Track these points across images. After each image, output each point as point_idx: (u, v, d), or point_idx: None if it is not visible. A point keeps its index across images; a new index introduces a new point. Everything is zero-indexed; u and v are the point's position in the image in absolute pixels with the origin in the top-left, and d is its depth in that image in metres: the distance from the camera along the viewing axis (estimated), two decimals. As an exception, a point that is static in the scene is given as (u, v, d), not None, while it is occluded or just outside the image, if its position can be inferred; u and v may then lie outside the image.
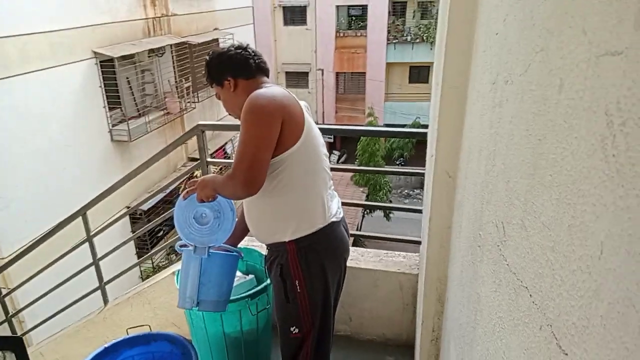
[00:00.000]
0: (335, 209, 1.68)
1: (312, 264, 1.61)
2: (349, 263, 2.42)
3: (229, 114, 1.74)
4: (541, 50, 0.60)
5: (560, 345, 0.47)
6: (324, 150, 1.66)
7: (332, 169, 1.83)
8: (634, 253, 0.33)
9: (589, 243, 0.41)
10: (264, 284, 2.10)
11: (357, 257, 2.53)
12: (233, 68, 1.62)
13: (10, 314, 3.25)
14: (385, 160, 15.15)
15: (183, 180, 8.98)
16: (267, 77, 1.70)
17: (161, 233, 8.89)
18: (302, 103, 1.65)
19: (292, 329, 1.70)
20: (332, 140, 17.81)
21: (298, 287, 1.62)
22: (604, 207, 0.38)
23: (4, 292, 3.32)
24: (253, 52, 1.67)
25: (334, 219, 1.64)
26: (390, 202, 14.45)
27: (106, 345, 1.87)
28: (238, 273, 2.25)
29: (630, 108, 0.34)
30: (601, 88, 0.40)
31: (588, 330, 0.40)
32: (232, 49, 1.66)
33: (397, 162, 16.36)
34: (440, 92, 1.47)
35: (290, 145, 1.49)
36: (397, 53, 17.25)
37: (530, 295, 0.59)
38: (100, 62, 7.22)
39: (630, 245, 0.33)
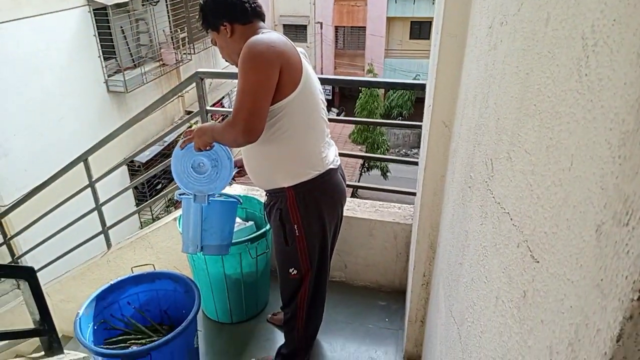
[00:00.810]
0: (332, 157, 1.72)
1: (310, 209, 1.67)
2: (346, 212, 2.50)
3: (226, 61, 1.70)
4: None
5: (533, 255, 0.53)
6: (322, 97, 1.68)
7: (330, 120, 1.87)
8: (596, 157, 0.38)
9: (562, 158, 0.46)
10: (263, 229, 2.17)
11: (354, 207, 2.61)
12: (229, 13, 1.58)
13: (17, 255, 3.35)
14: (385, 117, 15.07)
15: (182, 133, 8.97)
16: (264, 22, 1.67)
17: (160, 186, 8.97)
18: (300, 49, 1.65)
19: (291, 270, 1.79)
20: (330, 97, 17.62)
21: (297, 231, 1.69)
22: (576, 123, 0.42)
23: (9, 238, 3.41)
24: None
25: (331, 166, 1.69)
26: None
27: (112, 282, 1.96)
28: (238, 219, 2.32)
29: (602, 29, 0.37)
30: (580, 15, 0.43)
31: (556, 236, 0.46)
32: None
33: (397, 120, 16.28)
34: (439, 41, 1.48)
35: (288, 93, 1.49)
36: (398, 7, 16.78)
37: (511, 218, 0.65)
38: (94, 10, 7.04)
39: (594, 151, 0.38)
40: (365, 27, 17.35)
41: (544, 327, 0.46)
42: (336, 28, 17.90)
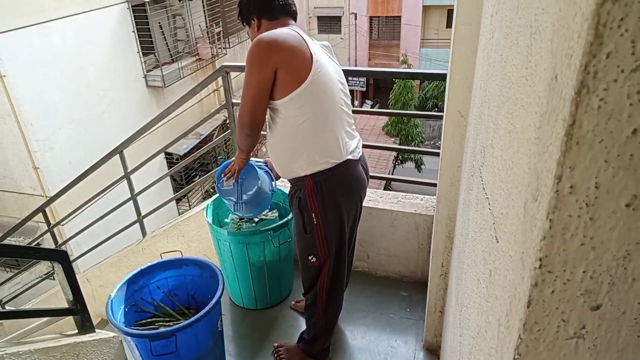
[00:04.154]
0: (353, 148, 1.75)
1: (327, 198, 1.71)
2: (367, 203, 2.53)
3: None
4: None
5: (496, 236, 0.55)
6: (343, 89, 1.72)
7: (355, 112, 1.91)
8: (529, 140, 0.40)
9: (515, 143, 0.48)
10: (285, 219, 2.23)
11: (376, 198, 2.62)
12: (258, 8, 1.70)
13: (59, 243, 3.57)
14: (419, 110, 14.85)
15: (215, 128, 9.18)
16: (294, 19, 1.74)
17: (197, 178, 9.25)
18: (323, 43, 1.71)
19: (310, 257, 1.84)
20: (364, 90, 17.51)
21: (314, 220, 1.74)
22: (523, 109, 0.45)
23: (52, 226, 3.63)
24: None
25: (350, 157, 1.72)
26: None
27: (142, 267, 2.08)
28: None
29: (539, 17, 0.39)
30: (531, 3, 0.45)
31: (507, 216, 0.48)
32: None
33: (432, 112, 16.00)
34: (454, 29, 1.48)
35: (295, 86, 1.56)
36: (434, -5, 16.41)
37: (489, 203, 0.67)
38: (132, 6, 7.29)
39: (528, 134, 0.40)
40: (400, 16, 17.07)
41: (497, 302, 0.49)
42: (370, 18, 17.71)
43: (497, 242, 0.53)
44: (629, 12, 0.27)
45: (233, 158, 2.04)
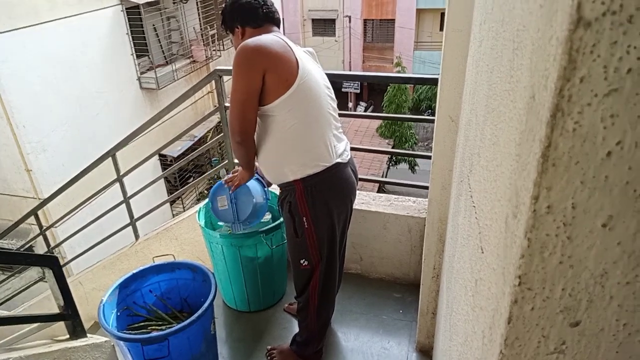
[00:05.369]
0: (341, 151, 1.76)
1: (317, 202, 1.71)
2: (360, 206, 2.54)
3: None
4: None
5: (482, 246, 0.56)
6: (329, 93, 1.73)
7: (343, 116, 1.92)
8: (510, 155, 0.40)
9: (497, 155, 0.48)
10: (278, 221, 2.24)
11: (368, 201, 2.63)
12: (242, 16, 1.71)
13: (52, 246, 3.55)
14: (413, 111, 14.89)
15: (209, 130, 9.16)
16: (277, 26, 1.76)
17: (191, 180, 9.23)
18: (307, 49, 1.72)
19: (301, 261, 1.84)
20: (358, 91, 17.52)
21: (305, 223, 1.74)
22: (505, 123, 0.45)
23: (45, 229, 3.61)
24: (263, 1, 1.72)
25: (339, 160, 1.72)
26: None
27: (134, 271, 2.07)
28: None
29: (520, 34, 0.40)
30: (513, 19, 0.46)
31: (491, 227, 0.49)
32: None
33: (425, 114, 16.04)
34: (445, 35, 1.49)
35: (283, 91, 1.57)
36: (428, -2, 16.47)
37: (476, 212, 0.68)
38: (126, 9, 7.27)
39: (510, 149, 0.41)
40: (394, 19, 17.13)
41: (482, 313, 0.49)
42: (365, 21, 17.75)
43: (482, 252, 0.54)
44: (600, 38, 0.27)
45: (227, 177, 2.07)
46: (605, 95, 0.29)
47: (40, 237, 3.56)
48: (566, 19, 0.28)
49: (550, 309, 0.33)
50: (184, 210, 8.47)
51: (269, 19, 1.72)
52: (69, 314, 1.58)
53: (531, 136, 0.32)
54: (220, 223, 2.19)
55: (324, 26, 17.69)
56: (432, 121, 2.53)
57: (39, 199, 5.99)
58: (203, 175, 3.85)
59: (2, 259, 1.54)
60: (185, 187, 3.44)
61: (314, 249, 1.80)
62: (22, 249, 4.48)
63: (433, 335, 2.10)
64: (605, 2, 0.26)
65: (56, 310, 1.68)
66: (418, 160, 12.65)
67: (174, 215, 8.03)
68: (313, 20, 17.87)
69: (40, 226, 3.54)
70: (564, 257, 0.32)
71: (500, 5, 0.60)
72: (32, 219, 3.51)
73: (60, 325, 1.77)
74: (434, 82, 2.16)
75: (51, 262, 1.43)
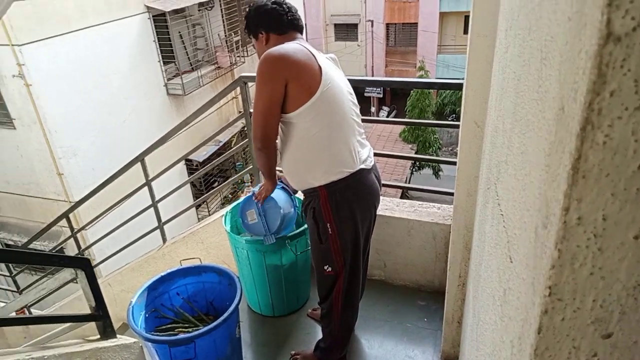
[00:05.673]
0: (365, 157, 1.76)
1: (341, 208, 1.72)
2: (384, 212, 2.53)
3: None
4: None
5: (510, 256, 0.56)
6: (351, 99, 1.74)
7: (365, 121, 1.92)
8: (539, 165, 0.41)
9: (526, 165, 0.48)
10: (302, 228, 2.25)
11: (392, 207, 2.62)
12: (267, 22, 1.73)
13: (82, 248, 3.66)
14: (437, 116, 14.74)
15: (234, 135, 9.28)
16: (301, 33, 1.78)
17: (216, 184, 9.37)
18: (329, 55, 1.73)
19: (325, 267, 1.85)
20: (381, 96, 17.46)
21: (329, 229, 1.75)
22: (534, 132, 0.45)
23: (76, 231, 3.72)
24: (288, 8, 1.75)
25: (363, 166, 1.73)
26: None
27: (162, 274, 2.12)
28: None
29: (548, 44, 0.40)
30: (540, 28, 0.46)
31: (520, 237, 0.49)
32: (269, 3, 1.74)
33: (449, 118, 15.85)
34: (470, 40, 1.48)
35: (305, 100, 1.59)
36: (451, 2, 16.32)
37: (504, 220, 0.67)
38: (153, 16, 7.45)
39: (539, 159, 0.41)
40: (417, 23, 17.03)
41: (510, 323, 0.49)
42: (387, 25, 17.71)
43: (511, 262, 0.54)
44: (630, 53, 0.28)
45: (253, 190, 2.11)
46: (636, 109, 0.29)
47: (71, 239, 3.67)
48: (595, 33, 0.28)
49: (581, 320, 0.34)
50: (209, 215, 8.62)
51: (293, 26, 1.74)
52: (100, 315, 1.63)
53: (561, 147, 0.33)
54: (254, 237, 2.22)
55: (346, 31, 17.72)
56: (457, 126, 2.51)
57: (70, 202, 6.18)
58: (228, 181, 3.90)
59: (38, 261, 1.61)
60: (211, 191, 3.49)
61: (337, 255, 1.81)
62: (53, 251, 4.63)
63: (459, 344, 2.07)
64: (635, 17, 0.27)
65: (87, 311, 1.73)
66: (442, 166, 12.50)
67: (199, 219, 8.15)
68: (335, 25, 17.92)
69: (72, 229, 3.65)
70: (594, 269, 0.32)
71: (527, 14, 0.60)
72: (63, 222, 3.62)
73: (90, 326, 1.82)
74: (458, 87, 2.14)
75: (84, 264, 1.48)
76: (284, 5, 1.75)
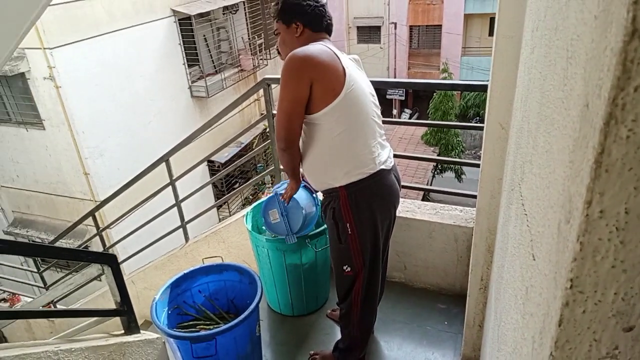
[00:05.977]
0: (385, 158, 1.77)
1: (361, 208, 1.72)
2: (405, 214, 2.53)
3: (278, 54, 1.87)
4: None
5: (533, 254, 0.56)
6: (374, 100, 1.75)
7: (387, 123, 1.93)
8: (563, 162, 0.41)
9: (551, 162, 0.49)
10: (322, 227, 2.27)
11: (413, 209, 2.61)
12: (307, 16, 1.73)
13: (107, 246, 3.75)
14: (460, 118, 14.58)
15: (255, 137, 9.37)
16: (330, 35, 1.80)
17: (237, 185, 9.47)
18: (352, 56, 1.74)
19: (345, 267, 1.86)
20: (403, 98, 17.37)
21: (349, 229, 1.76)
22: (558, 130, 0.46)
23: (102, 230, 3.82)
24: (327, 11, 1.77)
25: (383, 167, 1.73)
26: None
27: (185, 272, 2.16)
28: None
29: (574, 43, 0.41)
30: (566, 27, 0.46)
31: (543, 234, 0.49)
32: (313, 1, 1.74)
33: (473, 121, 15.64)
34: (495, 41, 1.48)
35: (330, 100, 1.60)
36: (476, 3, 16.12)
37: (528, 220, 0.67)
38: (179, 20, 7.60)
39: (563, 156, 0.42)
40: (441, 25, 16.88)
41: (532, 319, 0.49)
42: (410, 28, 17.60)
43: (534, 259, 0.54)
44: (655, 48, 0.28)
45: (274, 190, 2.14)
46: (660, 104, 0.29)
47: (96, 237, 3.77)
48: (621, 30, 0.29)
49: (602, 313, 0.34)
50: (230, 215, 8.73)
51: (327, 28, 1.78)
52: (124, 310, 1.67)
53: (584, 143, 0.33)
54: (276, 236, 2.25)
55: (369, 33, 17.68)
56: (481, 129, 2.49)
57: (95, 201, 6.34)
58: (249, 182, 3.95)
59: (68, 256, 1.66)
60: (233, 192, 3.54)
61: (357, 256, 1.81)
62: (80, 248, 4.76)
63: (479, 348, 2.05)
64: (660, 13, 0.27)
65: (112, 307, 1.78)
66: (465, 169, 12.35)
67: (220, 219, 8.26)
68: (358, 27, 17.90)
69: (97, 227, 3.75)
70: (616, 262, 0.33)
71: (554, 14, 0.61)
72: (89, 220, 3.72)
73: (114, 321, 1.87)
74: (482, 88, 2.13)
75: (110, 260, 1.53)
76: (325, 8, 1.77)
